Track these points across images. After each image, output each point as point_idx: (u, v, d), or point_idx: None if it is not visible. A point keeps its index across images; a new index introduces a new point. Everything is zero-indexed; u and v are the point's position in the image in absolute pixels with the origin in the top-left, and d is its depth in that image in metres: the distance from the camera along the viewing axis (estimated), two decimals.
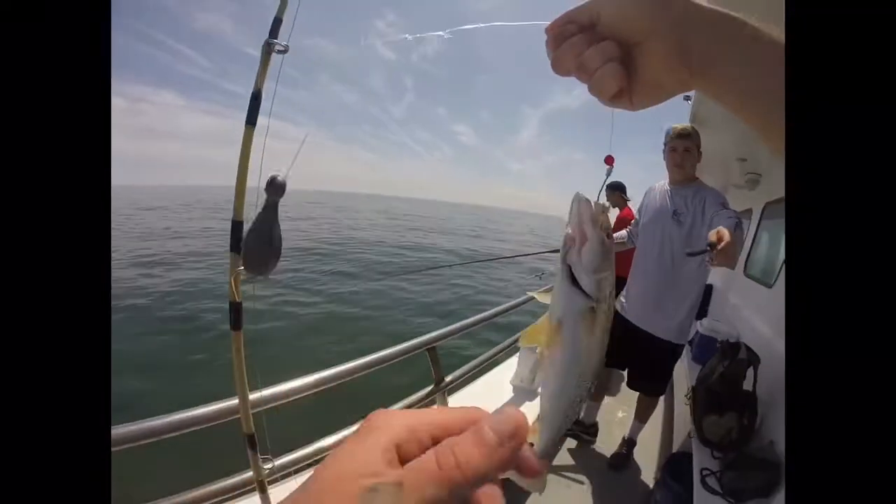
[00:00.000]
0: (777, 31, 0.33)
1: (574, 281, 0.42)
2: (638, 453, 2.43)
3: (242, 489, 1.25)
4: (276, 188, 0.93)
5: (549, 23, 0.40)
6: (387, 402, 1.80)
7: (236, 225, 0.95)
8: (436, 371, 1.90)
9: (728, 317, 3.03)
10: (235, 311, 1.01)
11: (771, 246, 3.19)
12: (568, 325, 0.42)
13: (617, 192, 4.03)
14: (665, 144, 2.08)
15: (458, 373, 1.99)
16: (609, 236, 0.42)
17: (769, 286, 2.61)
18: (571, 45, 0.38)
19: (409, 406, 1.80)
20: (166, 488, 1.17)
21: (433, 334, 1.87)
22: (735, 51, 0.34)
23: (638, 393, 2.38)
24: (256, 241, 0.93)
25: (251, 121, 0.93)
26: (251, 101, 0.93)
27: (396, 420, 0.24)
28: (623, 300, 2.28)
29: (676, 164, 2.02)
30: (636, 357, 2.24)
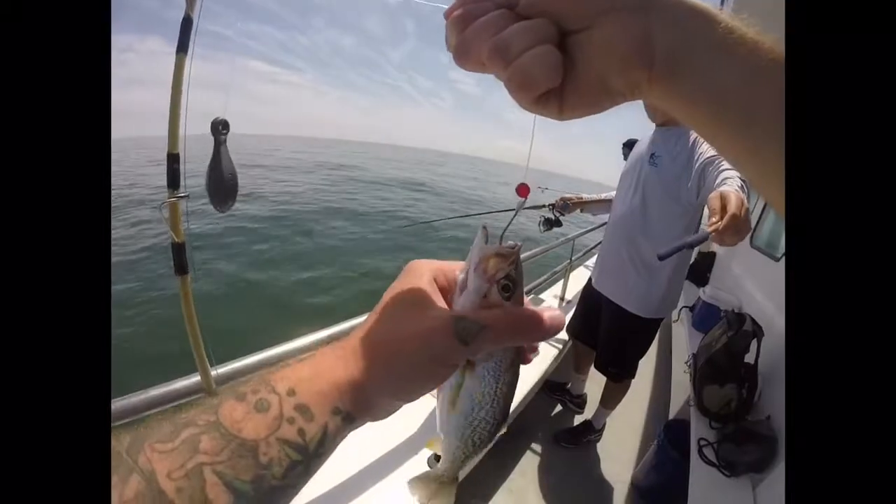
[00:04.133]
0: (769, 40, 0.24)
1: None
2: (635, 415, 2.46)
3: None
4: (216, 128, 0.94)
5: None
6: None
7: (171, 157, 0.90)
8: None
9: (730, 287, 3.00)
10: (178, 252, 0.93)
11: (781, 218, 3.11)
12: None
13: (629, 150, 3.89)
14: None
15: None
16: (506, 290, 0.33)
17: (776, 259, 2.56)
18: (485, 23, 0.26)
19: None
20: None
21: None
22: (711, 50, 0.25)
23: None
24: (212, 181, 0.96)
25: (182, 48, 0.85)
26: (182, 26, 0.85)
27: (427, 264, 0.35)
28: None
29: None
30: (601, 333, 2.04)
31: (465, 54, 0.27)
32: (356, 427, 0.30)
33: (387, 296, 0.33)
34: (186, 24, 0.84)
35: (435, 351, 0.29)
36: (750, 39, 0.24)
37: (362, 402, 0.29)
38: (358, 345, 0.31)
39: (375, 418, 0.31)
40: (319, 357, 0.31)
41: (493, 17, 0.26)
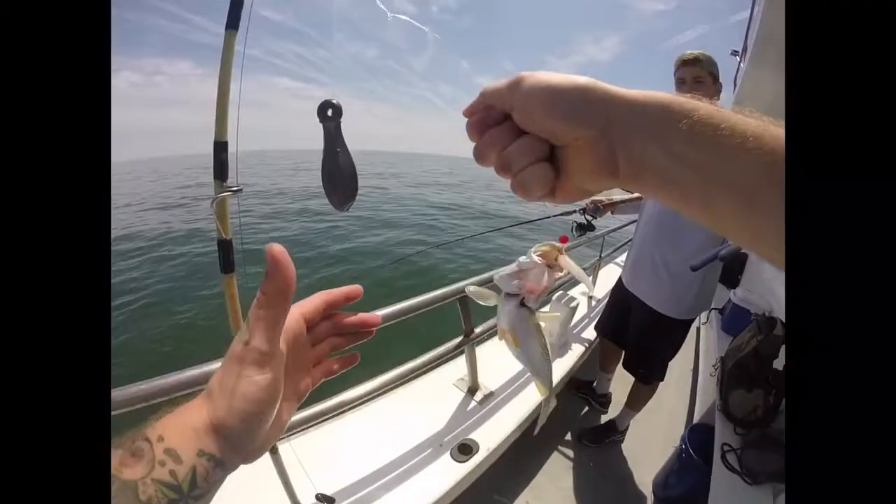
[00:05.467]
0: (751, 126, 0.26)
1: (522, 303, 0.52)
2: (659, 417, 2.45)
3: None
4: (332, 113, 0.73)
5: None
6: (422, 350, 1.80)
7: (218, 146, 0.83)
8: (466, 321, 1.85)
9: (761, 290, 2.94)
10: (225, 250, 0.90)
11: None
12: (520, 330, 0.52)
13: None
14: (674, 76, 1.69)
15: (487, 324, 1.93)
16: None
17: None
18: (493, 138, 0.35)
19: (440, 357, 1.79)
20: None
21: (466, 283, 1.79)
22: (668, 158, 0.29)
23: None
24: (330, 177, 0.79)
25: (232, 24, 0.77)
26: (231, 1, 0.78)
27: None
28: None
29: None
30: (630, 333, 2.04)
31: (482, 159, 0.36)
32: (232, 468, 0.34)
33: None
34: None
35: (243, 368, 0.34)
36: (724, 127, 0.26)
37: (221, 444, 0.33)
38: (212, 388, 0.35)
39: (245, 460, 0.35)
40: (187, 404, 0.35)
41: (499, 133, 0.35)
